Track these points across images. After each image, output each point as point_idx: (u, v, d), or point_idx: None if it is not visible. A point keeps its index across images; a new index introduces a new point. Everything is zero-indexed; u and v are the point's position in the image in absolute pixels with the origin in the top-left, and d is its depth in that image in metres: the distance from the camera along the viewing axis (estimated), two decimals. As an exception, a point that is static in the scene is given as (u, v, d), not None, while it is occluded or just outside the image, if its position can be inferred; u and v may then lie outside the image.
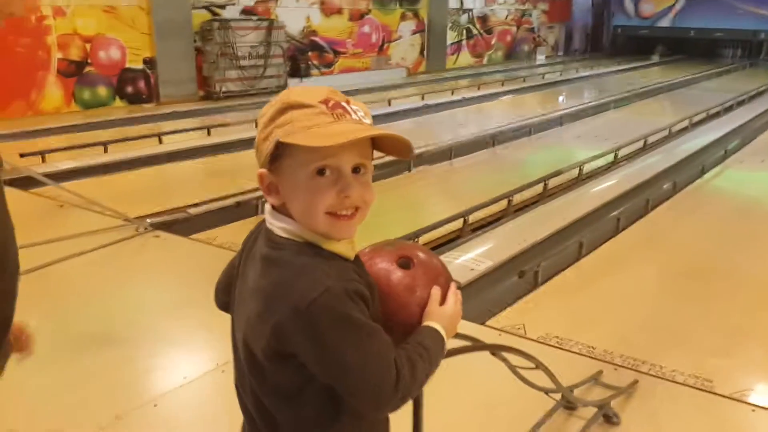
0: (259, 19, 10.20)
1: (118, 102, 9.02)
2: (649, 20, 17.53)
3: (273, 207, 1.00)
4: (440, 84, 11.78)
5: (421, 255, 1.12)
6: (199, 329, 2.91)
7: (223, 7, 9.96)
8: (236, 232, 4.22)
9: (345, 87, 10.86)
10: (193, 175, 5.94)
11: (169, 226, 4.16)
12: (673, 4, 17.05)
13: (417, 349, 0.99)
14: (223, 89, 9.74)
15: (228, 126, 7.51)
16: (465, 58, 15.24)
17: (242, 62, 9.91)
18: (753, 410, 2.35)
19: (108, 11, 8.67)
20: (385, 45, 13.06)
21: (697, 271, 3.78)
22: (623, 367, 2.66)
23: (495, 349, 1.99)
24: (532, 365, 1.97)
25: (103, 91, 8.87)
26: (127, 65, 9.00)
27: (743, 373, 2.70)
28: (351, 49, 12.33)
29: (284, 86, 10.48)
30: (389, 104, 9.28)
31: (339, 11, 11.92)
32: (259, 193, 4.69)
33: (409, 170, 5.88)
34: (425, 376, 0.99)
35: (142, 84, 9.20)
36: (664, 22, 17.29)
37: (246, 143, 6.79)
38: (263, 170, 0.98)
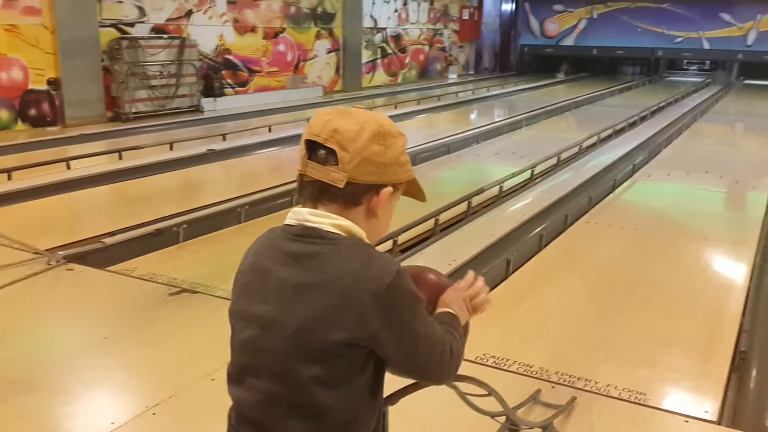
0: (170, 38, 9.92)
1: (20, 125, 8.52)
2: (554, 39, 18.29)
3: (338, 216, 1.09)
4: (357, 102, 11.81)
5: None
6: (122, 369, 2.75)
7: (132, 24, 9.63)
8: (158, 262, 4.04)
9: (260, 106, 10.72)
10: (106, 203, 5.67)
11: (83, 258, 3.93)
12: (576, 24, 17.86)
13: (444, 327, 1.17)
14: (133, 110, 9.38)
15: (140, 149, 7.23)
16: (380, 76, 15.39)
17: (153, 82, 9.59)
18: (686, 421, 2.43)
19: (9, 30, 8.21)
20: (301, 64, 13.01)
21: (618, 283, 3.92)
22: (560, 384, 2.70)
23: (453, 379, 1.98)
24: (484, 392, 1.96)
25: (3, 114, 8.36)
26: (30, 86, 8.53)
27: (671, 382, 2.79)
28: (266, 68, 12.20)
29: (197, 106, 10.23)
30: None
31: (253, 29, 11.78)
32: (181, 219, 4.53)
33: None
34: (461, 346, 1.21)
35: (46, 106, 8.74)
36: (568, 41, 18.08)
37: (160, 166, 6.57)
38: (390, 188, 1.11)
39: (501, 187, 5.75)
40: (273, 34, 12.25)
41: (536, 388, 2.59)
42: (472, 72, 18.67)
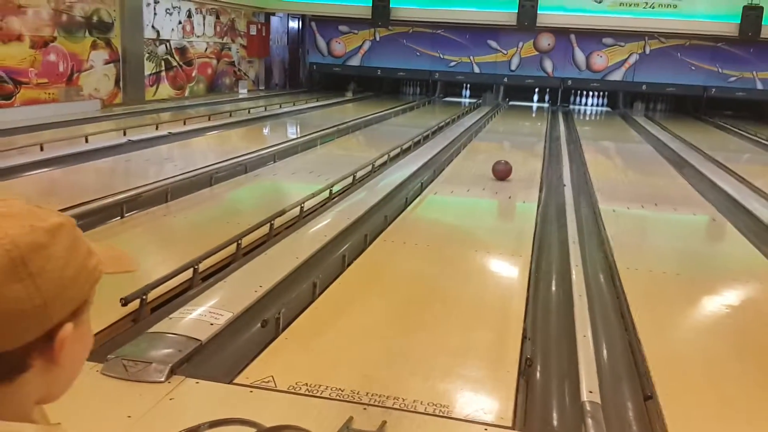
0: None
1: None
2: (341, 59, 18.87)
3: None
4: (141, 117, 11.19)
5: None
6: None
7: None
8: None
9: (31, 121, 9.70)
10: None
11: None
12: (361, 45, 18.61)
13: None
14: None
15: None
16: (165, 89, 14.72)
17: None
18: (485, 429, 2.63)
19: None
20: (75, 75, 12.00)
21: (417, 299, 4.14)
22: (372, 405, 2.78)
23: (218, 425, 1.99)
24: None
25: None
26: None
27: (470, 392, 3.01)
28: (35, 79, 11.07)
29: (-48, 121, 8.97)
30: (86, 141, 8.50)
31: (19, 38, 10.63)
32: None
33: (122, 216, 5.46)
34: None
35: None
36: (354, 62, 18.78)
37: None
38: (69, 325, 0.75)
39: (302, 207, 5.79)
40: (42, 43, 11.16)
41: (348, 415, 2.64)
42: (262, 87, 18.59)
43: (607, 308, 4.17)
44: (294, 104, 14.87)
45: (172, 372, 2.88)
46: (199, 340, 3.14)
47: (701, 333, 4.05)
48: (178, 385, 2.80)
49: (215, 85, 16.64)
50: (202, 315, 3.40)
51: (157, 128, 9.95)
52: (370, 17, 17.10)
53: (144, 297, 3.56)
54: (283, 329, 3.46)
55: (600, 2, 16.13)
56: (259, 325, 3.36)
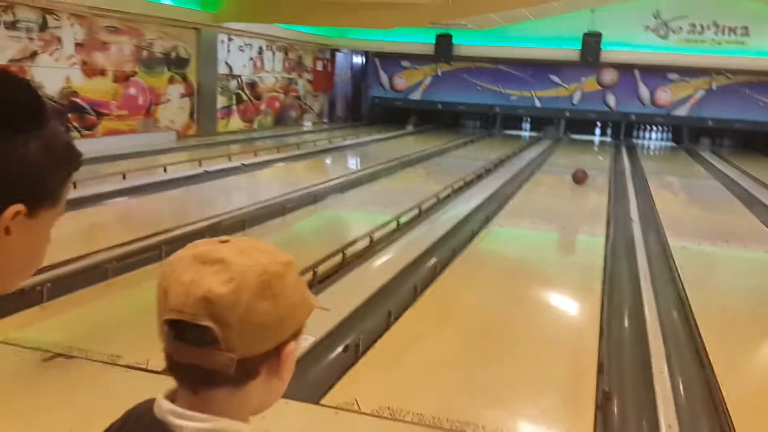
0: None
1: None
2: (402, 93, 19.22)
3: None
4: (213, 149, 11.66)
5: None
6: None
7: (-33, 62, 8.90)
8: (21, 325, 3.75)
9: (110, 150, 10.25)
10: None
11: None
12: (422, 80, 18.93)
13: None
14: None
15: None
16: (235, 122, 15.30)
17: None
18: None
19: None
20: (153, 107, 12.62)
21: (488, 329, 4.22)
22: (452, 430, 2.87)
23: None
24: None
25: None
26: None
27: (548, 423, 3.07)
28: (115, 111, 11.70)
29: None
30: (165, 171, 8.94)
31: (102, 72, 11.30)
32: (44, 277, 4.25)
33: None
34: None
35: None
36: (416, 96, 19.10)
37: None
38: (293, 343, 0.90)
39: (371, 237, 5.96)
40: (124, 78, 11.82)
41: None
42: (326, 120, 19.07)
43: (681, 345, 4.16)
44: (357, 136, 15.22)
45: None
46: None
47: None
48: (269, 404, 2.95)
49: (282, 118, 17.18)
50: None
51: (230, 159, 10.36)
52: (432, 53, 17.42)
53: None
54: (362, 354, 3.59)
55: (666, 38, 16.03)
56: (341, 349, 3.50)
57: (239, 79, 15.27)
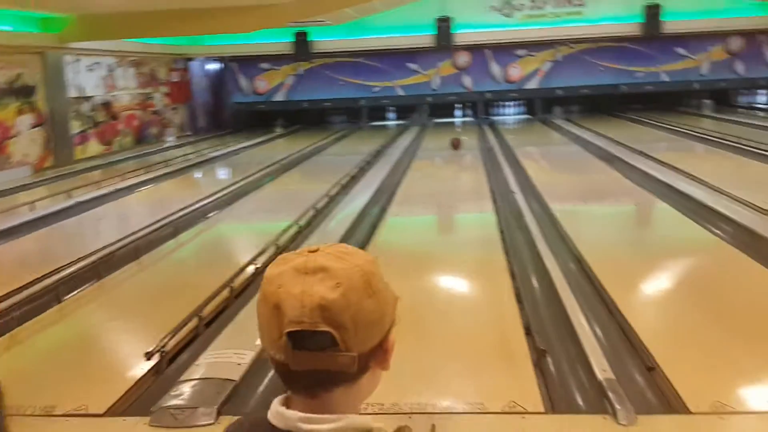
0: None
1: None
2: (264, 96, 18.99)
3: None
4: (74, 179, 10.86)
5: None
6: None
7: None
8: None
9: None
10: None
11: None
12: (284, 80, 18.81)
13: None
14: None
15: None
16: (94, 146, 14.46)
17: None
18: (523, 417, 2.88)
19: None
20: (3, 143, 11.68)
21: (411, 317, 4.32)
22: (415, 413, 2.98)
23: None
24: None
25: None
26: None
27: (495, 388, 3.25)
28: (-39, 152, 10.73)
29: None
30: (34, 208, 8.23)
31: (-60, 110, 10.31)
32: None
33: (99, 279, 5.45)
34: None
35: None
36: (280, 97, 18.94)
37: None
38: (393, 334, 0.97)
39: (277, 245, 5.92)
40: (-35, 114, 10.85)
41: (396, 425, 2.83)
42: (189, 133, 18.46)
43: (589, 296, 4.52)
44: (225, 147, 14.81)
45: (219, 413, 2.99)
46: (233, 380, 3.26)
47: (675, 304, 4.46)
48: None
49: (143, 136, 16.44)
50: (227, 357, 3.51)
51: (99, 187, 9.74)
52: (291, 53, 17.35)
53: (163, 349, 3.64)
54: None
55: (510, 17, 16.98)
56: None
57: (92, 101, 14.45)
